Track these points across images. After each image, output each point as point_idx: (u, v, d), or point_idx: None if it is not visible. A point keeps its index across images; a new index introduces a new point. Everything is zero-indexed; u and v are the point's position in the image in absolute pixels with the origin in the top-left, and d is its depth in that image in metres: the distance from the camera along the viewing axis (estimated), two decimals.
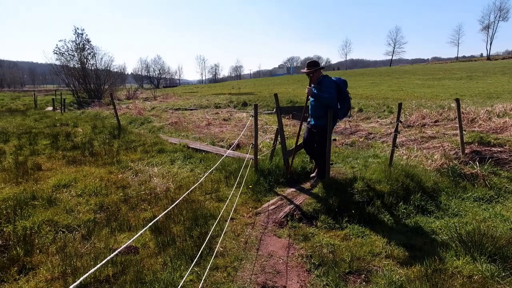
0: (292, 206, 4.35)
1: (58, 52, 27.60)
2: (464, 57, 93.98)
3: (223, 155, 5.86)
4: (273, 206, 4.42)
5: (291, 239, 3.70)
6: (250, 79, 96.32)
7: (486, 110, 10.82)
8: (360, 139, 9.67)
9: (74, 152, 7.67)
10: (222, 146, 8.32)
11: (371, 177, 5.06)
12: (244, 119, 13.22)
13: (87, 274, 1.51)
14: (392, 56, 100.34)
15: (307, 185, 5.04)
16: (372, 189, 4.75)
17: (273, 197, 4.74)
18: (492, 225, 3.98)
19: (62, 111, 18.59)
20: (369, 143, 8.78)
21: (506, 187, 5.42)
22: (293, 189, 4.89)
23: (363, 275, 2.99)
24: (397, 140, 8.93)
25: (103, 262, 1.63)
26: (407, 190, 4.84)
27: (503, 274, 2.90)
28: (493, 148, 8.03)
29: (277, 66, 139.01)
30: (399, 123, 5.59)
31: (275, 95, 5.21)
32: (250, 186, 4.95)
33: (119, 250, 1.86)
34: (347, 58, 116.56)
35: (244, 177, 4.91)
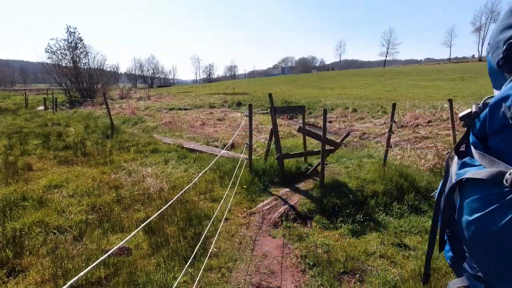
0: (286, 206, 4.34)
1: (50, 51, 27.24)
2: (456, 58, 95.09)
3: (218, 155, 5.83)
4: (267, 206, 4.40)
5: (286, 239, 3.68)
6: (244, 79, 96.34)
7: None
8: (355, 139, 9.71)
9: (66, 152, 7.56)
10: (216, 146, 8.29)
11: (366, 177, 5.08)
12: (238, 119, 13.20)
13: (77, 277, 1.48)
14: (386, 57, 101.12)
15: (301, 185, 5.04)
16: (367, 189, 4.76)
17: (267, 197, 4.73)
18: None
19: (54, 110, 18.33)
20: (364, 143, 8.82)
21: None
22: (287, 189, 4.88)
23: (358, 275, 2.99)
24: (391, 140, 8.99)
25: (95, 264, 1.59)
26: (401, 190, 4.87)
27: None
28: None
29: (271, 66, 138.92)
30: (393, 123, 5.62)
31: (270, 95, 5.20)
32: (245, 186, 4.92)
33: (111, 251, 1.82)
34: (342, 59, 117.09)
35: (239, 177, 4.89)
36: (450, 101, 6.85)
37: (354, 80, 39.35)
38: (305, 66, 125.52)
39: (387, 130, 5.80)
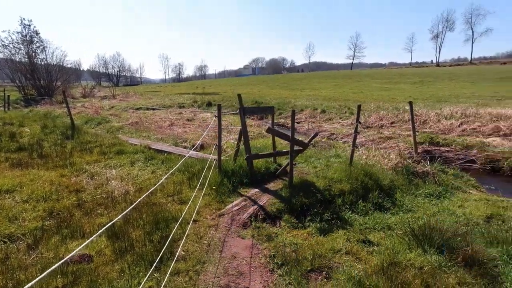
0: (256, 206, 4.34)
1: (1, 44, 25.18)
2: (417, 63, 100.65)
3: (186, 156, 5.71)
4: (237, 207, 4.38)
5: (255, 239, 3.68)
6: (215, 79, 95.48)
7: (436, 113, 11.72)
8: (323, 139, 9.96)
9: (19, 154, 7.03)
10: (185, 147, 8.12)
11: (333, 177, 5.21)
12: (208, 119, 13.03)
13: (28, 286, 1.36)
14: (353, 60, 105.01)
15: (271, 185, 5.07)
16: (334, 188, 4.89)
17: (237, 198, 4.70)
18: (441, 219, 4.28)
19: (6, 109, 16.96)
20: (331, 143, 9.07)
21: (453, 184, 5.89)
22: (257, 190, 4.88)
23: (324, 272, 3.06)
24: (357, 140, 9.31)
25: (47, 272, 1.48)
26: (366, 188, 5.06)
27: (449, 264, 3.12)
28: (442, 148, 8.71)
29: (242, 66, 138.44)
30: (358, 124, 5.82)
31: (239, 95, 5.18)
32: (214, 187, 4.86)
33: (66, 258, 1.70)
34: (311, 61, 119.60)
35: (208, 179, 4.81)
36: (411, 103, 7.25)
37: (323, 81, 40.38)
38: (276, 67, 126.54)
39: (353, 130, 6.01)
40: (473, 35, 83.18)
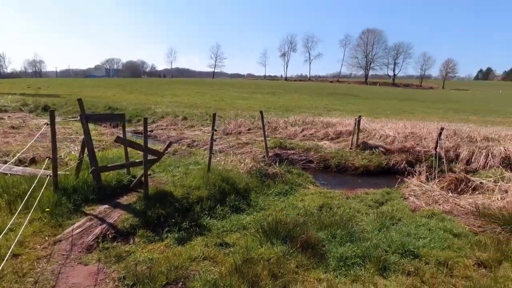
0: (104, 225, 3.82)
1: None
2: (270, 76, 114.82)
3: (5, 174, 4.46)
4: (79, 229, 3.72)
5: (102, 263, 3.22)
6: (56, 78, 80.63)
7: (284, 121, 13.58)
8: (183, 147, 9.86)
9: None
10: (5, 162, 6.36)
11: (191, 184, 5.19)
12: (44, 127, 10.76)
13: None
14: (214, 69, 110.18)
15: (123, 199, 4.57)
16: (192, 196, 4.87)
17: (80, 218, 4.00)
18: (286, 213, 4.90)
19: None
20: (192, 151, 9.07)
21: (296, 182, 6.90)
22: (106, 206, 4.30)
23: (181, 283, 2.97)
24: (218, 146, 9.71)
25: None
26: (224, 193, 5.26)
27: (291, 251, 3.59)
28: (289, 151, 10.11)
29: (93, 66, 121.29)
30: (215, 131, 6.05)
31: (79, 100, 4.47)
32: (47, 210, 3.98)
33: None
34: (173, 67, 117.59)
35: (37, 199, 3.88)
36: (261, 112, 8.12)
37: (185, 88, 40.33)
38: (134, 70, 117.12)
39: (210, 138, 6.18)
40: (310, 57, 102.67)
